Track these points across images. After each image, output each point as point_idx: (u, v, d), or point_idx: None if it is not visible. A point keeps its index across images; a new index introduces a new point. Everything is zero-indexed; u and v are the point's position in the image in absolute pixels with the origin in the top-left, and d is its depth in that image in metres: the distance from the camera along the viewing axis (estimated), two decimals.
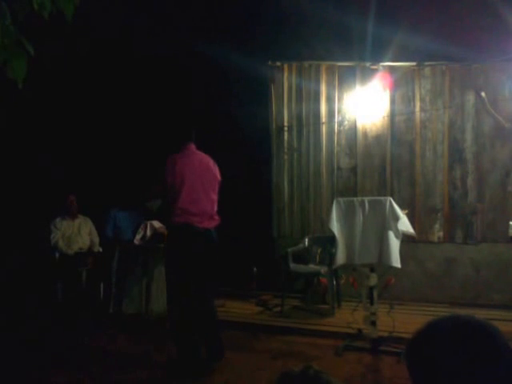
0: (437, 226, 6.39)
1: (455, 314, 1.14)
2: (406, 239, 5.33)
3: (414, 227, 5.81)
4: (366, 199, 4.62)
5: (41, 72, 6.73)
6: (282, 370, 1.31)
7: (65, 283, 5.94)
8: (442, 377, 1.05)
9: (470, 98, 6.25)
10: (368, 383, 3.98)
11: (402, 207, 5.35)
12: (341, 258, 4.60)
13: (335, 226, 4.56)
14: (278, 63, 6.93)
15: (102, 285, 6.01)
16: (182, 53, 7.04)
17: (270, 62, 6.88)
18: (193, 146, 4.41)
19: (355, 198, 4.76)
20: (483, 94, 6.12)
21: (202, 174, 4.30)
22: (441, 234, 6.38)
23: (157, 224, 5.66)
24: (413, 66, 6.45)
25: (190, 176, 4.20)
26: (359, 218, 4.53)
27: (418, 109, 6.46)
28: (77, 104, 7.30)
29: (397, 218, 4.43)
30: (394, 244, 4.44)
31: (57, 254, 6.07)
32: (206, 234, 4.30)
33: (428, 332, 1.14)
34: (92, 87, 7.17)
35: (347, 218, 4.60)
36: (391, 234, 4.42)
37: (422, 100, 6.46)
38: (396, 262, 4.44)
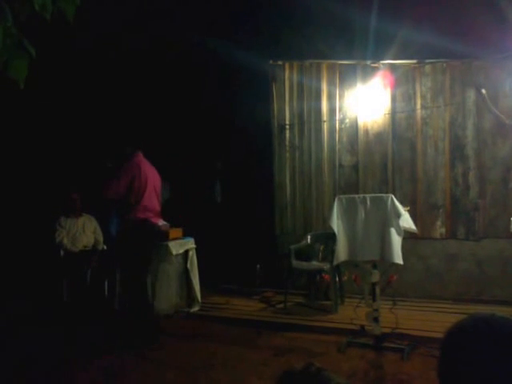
0: (439, 222, 6.41)
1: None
2: (408, 236, 5.36)
3: (416, 224, 5.84)
4: (368, 196, 4.65)
5: (45, 70, 6.79)
6: (284, 368, 1.34)
7: (70, 281, 5.99)
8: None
9: (471, 94, 6.27)
10: (371, 379, 4.01)
11: (403, 204, 5.39)
12: (342, 254, 4.63)
13: (336, 223, 4.59)
14: (280, 62, 6.95)
15: (106, 282, 6.06)
16: (183, 51, 7.07)
17: (271, 61, 6.91)
18: (141, 154, 5.14)
19: (356, 196, 4.79)
20: (484, 90, 6.13)
21: (154, 179, 5.15)
22: (443, 230, 6.40)
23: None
24: (413, 63, 6.47)
25: (149, 180, 5.03)
26: (361, 215, 4.56)
27: (418, 106, 6.48)
28: (80, 103, 7.33)
29: (398, 215, 4.46)
30: (396, 240, 4.47)
31: (62, 252, 6.12)
32: (155, 228, 5.20)
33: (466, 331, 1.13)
34: (93, 86, 7.20)
35: (349, 215, 4.63)
36: (393, 231, 4.45)
37: (422, 97, 6.48)
38: (398, 258, 4.47)
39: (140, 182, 4.94)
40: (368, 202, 4.56)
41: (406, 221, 4.58)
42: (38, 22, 2.05)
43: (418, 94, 6.49)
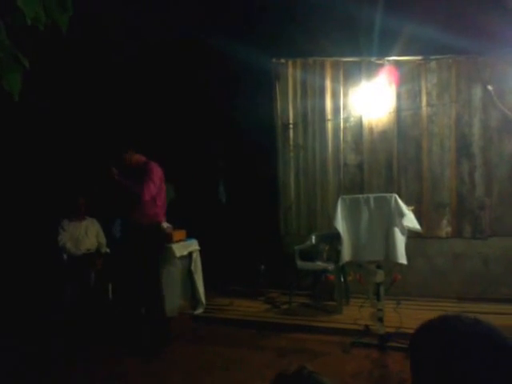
0: (445, 221, 6.35)
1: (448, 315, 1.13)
2: (413, 235, 5.32)
3: (421, 223, 5.81)
4: (371, 196, 4.61)
5: (50, 76, 6.80)
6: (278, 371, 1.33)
7: (73, 284, 5.98)
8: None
9: (477, 91, 6.19)
10: (375, 379, 3.98)
11: (409, 203, 5.36)
12: (346, 254, 4.60)
13: (340, 224, 4.56)
14: (283, 60, 6.89)
15: (110, 285, 6.05)
16: (185, 50, 7.04)
17: (274, 59, 6.85)
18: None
19: (360, 195, 4.75)
20: (490, 87, 6.06)
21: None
22: (449, 229, 6.34)
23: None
24: (419, 60, 6.40)
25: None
26: (365, 214, 4.53)
27: (424, 103, 6.41)
28: (82, 104, 7.32)
29: (402, 215, 4.42)
30: (400, 240, 4.43)
31: (65, 256, 6.11)
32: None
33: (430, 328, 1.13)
34: (95, 86, 7.19)
35: (353, 215, 4.60)
36: (397, 231, 4.41)
37: (428, 94, 6.41)
38: (402, 258, 4.43)
39: (161, 184, 4.94)
40: (371, 202, 4.52)
41: (410, 220, 4.53)
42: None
43: (424, 91, 6.42)
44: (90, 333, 5.22)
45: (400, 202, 4.49)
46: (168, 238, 5.49)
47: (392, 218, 4.42)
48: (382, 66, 6.51)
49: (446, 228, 6.34)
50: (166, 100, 7.27)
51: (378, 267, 4.57)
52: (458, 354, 1.03)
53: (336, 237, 4.95)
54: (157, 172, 4.85)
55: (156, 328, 4.86)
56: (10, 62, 1.97)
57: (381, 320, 4.54)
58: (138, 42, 6.78)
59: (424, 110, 6.41)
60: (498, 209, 6.14)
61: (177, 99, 7.23)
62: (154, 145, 5.33)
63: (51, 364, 4.45)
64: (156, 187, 4.79)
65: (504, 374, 1.02)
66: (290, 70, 6.93)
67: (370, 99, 6.56)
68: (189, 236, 5.99)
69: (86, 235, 6.30)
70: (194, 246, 5.97)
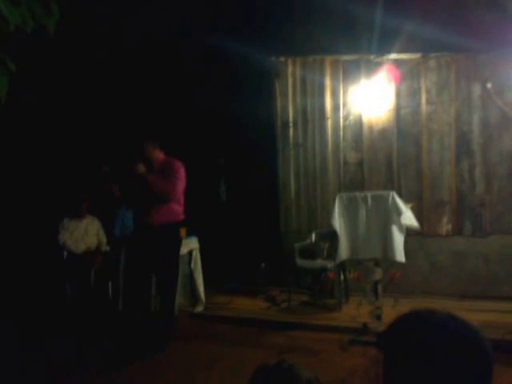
0: (445, 219, 6.35)
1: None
2: (414, 233, 5.33)
3: (421, 221, 5.84)
4: (369, 194, 4.62)
5: (54, 75, 6.84)
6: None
7: (73, 282, 6.02)
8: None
9: (477, 89, 6.18)
10: (372, 376, 3.98)
11: (409, 201, 5.37)
12: (344, 252, 4.61)
13: (337, 221, 4.57)
14: (282, 58, 6.90)
15: (110, 283, 6.08)
16: (185, 49, 7.05)
17: (273, 57, 6.86)
18: None
19: (358, 193, 4.75)
20: (489, 85, 6.05)
21: None
22: (449, 227, 6.33)
23: None
24: (418, 58, 6.39)
25: None
26: (362, 212, 4.54)
27: (423, 101, 6.41)
28: (83, 103, 7.35)
29: (400, 213, 4.42)
30: (398, 238, 4.44)
31: (65, 254, 6.15)
32: None
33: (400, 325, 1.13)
34: (96, 85, 7.22)
35: (350, 213, 4.61)
36: (395, 229, 4.42)
37: (427, 92, 6.40)
38: (400, 256, 4.44)
39: (184, 182, 4.80)
40: (369, 200, 4.53)
41: (408, 218, 4.54)
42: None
43: (423, 89, 6.42)
44: (91, 330, 5.25)
45: (398, 199, 4.49)
46: None
47: (390, 215, 4.43)
48: (381, 64, 6.51)
49: (446, 226, 6.34)
50: (165, 99, 7.28)
51: (376, 265, 4.58)
52: (429, 351, 1.03)
53: (336, 234, 4.97)
54: (182, 170, 4.73)
55: (166, 326, 4.77)
56: None
57: (379, 318, 4.55)
58: (137, 39, 6.79)
59: (423, 108, 6.40)
60: (498, 206, 6.13)
61: (175, 98, 7.24)
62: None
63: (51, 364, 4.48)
64: (183, 185, 4.71)
65: (476, 371, 1.03)
66: (290, 68, 6.94)
67: (370, 97, 6.56)
68: (189, 234, 6.01)
69: (86, 234, 6.34)
70: (193, 243, 5.99)
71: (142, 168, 4.55)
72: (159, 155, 4.80)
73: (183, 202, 4.82)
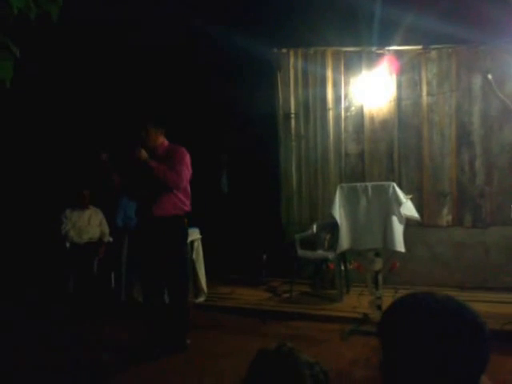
0: (445, 209, 6.38)
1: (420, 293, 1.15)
2: (414, 224, 5.35)
3: (422, 212, 5.87)
4: (369, 185, 4.65)
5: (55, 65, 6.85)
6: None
7: (76, 273, 6.08)
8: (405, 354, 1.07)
9: (477, 80, 6.20)
10: (372, 366, 4.02)
11: (409, 192, 5.40)
12: (345, 243, 4.65)
13: (338, 212, 4.60)
14: (284, 50, 6.91)
15: (112, 274, 6.14)
16: (186, 40, 7.04)
17: (275, 49, 6.87)
18: None
19: (358, 184, 4.79)
20: (490, 76, 6.06)
21: None
22: (449, 217, 6.36)
23: None
24: (419, 49, 6.40)
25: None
26: (363, 203, 4.57)
27: (424, 93, 6.42)
28: (86, 95, 7.36)
29: (400, 203, 4.45)
30: (398, 228, 4.47)
31: (67, 244, 6.21)
32: None
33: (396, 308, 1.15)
34: (99, 78, 7.23)
35: (351, 203, 4.64)
36: (395, 219, 4.46)
37: (428, 84, 6.41)
38: (400, 246, 4.47)
39: (191, 172, 4.43)
40: (370, 191, 4.56)
41: (409, 209, 4.57)
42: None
43: (424, 81, 6.43)
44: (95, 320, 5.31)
45: (398, 190, 4.52)
46: None
47: (390, 206, 4.46)
48: (382, 55, 6.51)
49: (446, 217, 6.37)
50: (166, 91, 7.29)
51: (377, 255, 4.62)
52: (428, 331, 1.05)
53: (337, 225, 5.00)
54: (188, 157, 4.37)
55: (183, 317, 4.54)
56: (1, 50, 2.03)
57: (379, 308, 4.58)
58: (139, 32, 6.79)
59: (424, 99, 6.42)
60: (499, 197, 6.16)
61: (177, 90, 7.25)
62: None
63: (54, 352, 4.53)
64: (189, 174, 4.35)
65: (474, 351, 1.05)
66: (292, 59, 6.94)
67: (371, 89, 6.57)
68: (190, 225, 6.02)
69: (89, 224, 6.39)
70: (195, 234, 6.01)
71: (144, 153, 4.18)
72: (163, 141, 4.42)
73: (190, 191, 4.47)
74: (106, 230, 6.54)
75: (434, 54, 6.38)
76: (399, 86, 6.52)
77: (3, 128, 6.82)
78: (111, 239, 6.51)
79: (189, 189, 4.44)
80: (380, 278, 4.61)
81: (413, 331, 1.06)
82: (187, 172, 4.30)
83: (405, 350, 1.07)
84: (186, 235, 4.71)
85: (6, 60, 2.04)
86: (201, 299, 5.94)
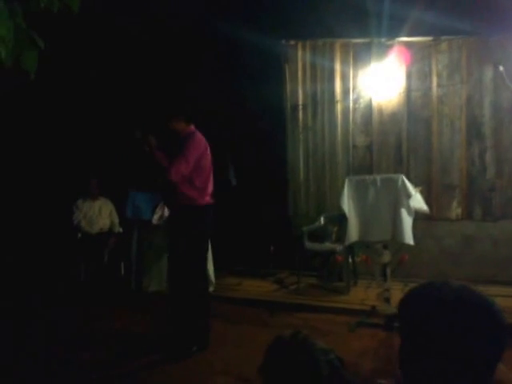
0: (455, 203, 6.33)
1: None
2: (423, 217, 5.32)
3: (431, 204, 5.82)
4: (378, 177, 4.64)
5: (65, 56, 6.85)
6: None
7: (87, 262, 6.15)
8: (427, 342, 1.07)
9: (488, 72, 6.13)
10: (380, 358, 4.02)
11: (418, 184, 5.37)
12: (353, 235, 4.64)
13: (346, 204, 4.59)
14: (292, 42, 6.88)
15: (122, 264, 6.19)
16: (194, 31, 7.02)
17: (283, 41, 6.83)
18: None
19: (367, 176, 4.78)
20: (501, 67, 5.98)
21: (210, 156, 4.36)
22: (459, 211, 6.32)
23: (156, 216, 5.79)
24: (429, 40, 6.34)
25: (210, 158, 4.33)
26: (371, 195, 4.55)
27: (434, 84, 6.36)
28: (89, 89, 7.37)
29: (409, 195, 4.43)
30: (407, 221, 4.45)
31: (79, 235, 6.29)
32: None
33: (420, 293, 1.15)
34: (101, 70, 7.23)
35: (359, 195, 4.63)
36: (404, 211, 4.43)
37: (438, 75, 6.35)
38: (409, 238, 4.45)
39: (206, 160, 4.25)
40: (378, 183, 4.54)
41: (418, 201, 4.55)
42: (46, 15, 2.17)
43: (434, 72, 6.37)
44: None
45: (407, 182, 4.50)
46: None
47: (399, 198, 4.44)
48: (391, 47, 6.45)
49: (455, 210, 6.33)
50: (174, 84, 7.27)
51: (385, 248, 4.60)
52: (444, 319, 1.05)
53: (345, 218, 4.98)
54: (195, 148, 4.15)
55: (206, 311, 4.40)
56: (26, 43, 2.15)
57: (387, 300, 4.58)
58: (145, 24, 6.79)
59: (434, 91, 6.36)
60: (509, 191, 6.10)
61: (185, 83, 7.23)
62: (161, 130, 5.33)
63: (65, 342, 4.56)
64: (190, 166, 4.08)
65: (490, 338, 1.04)
66: (300, 51, 6.91)
67: (380, 80, 6.53)
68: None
69: (99, 214, 6.48)
70: None
71: (153, 141, 4.14)
72: (185, 128, 4.27)
73: (202, 185, 4.23)
74: (116, 220, 6.62)
75: (444, 45, 6.31)
76: (409, 78, 6.46)
77: (16, 118, 6.86)
78: (121, 230, 6.57)
79: (197, 181, 4.19)
80: (388, 270, 4.59)
81: (429, 318, 1.07)
82: (184, 163, 4.06)
83: (421, 337, 1.08)
84: (199, 226, 4.31)
85: (31, 52, 2.16)
86: (209, 289, 5.95)
